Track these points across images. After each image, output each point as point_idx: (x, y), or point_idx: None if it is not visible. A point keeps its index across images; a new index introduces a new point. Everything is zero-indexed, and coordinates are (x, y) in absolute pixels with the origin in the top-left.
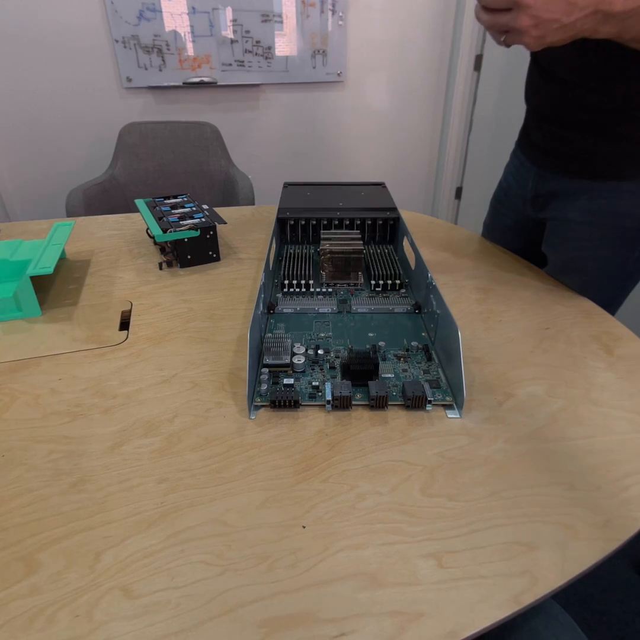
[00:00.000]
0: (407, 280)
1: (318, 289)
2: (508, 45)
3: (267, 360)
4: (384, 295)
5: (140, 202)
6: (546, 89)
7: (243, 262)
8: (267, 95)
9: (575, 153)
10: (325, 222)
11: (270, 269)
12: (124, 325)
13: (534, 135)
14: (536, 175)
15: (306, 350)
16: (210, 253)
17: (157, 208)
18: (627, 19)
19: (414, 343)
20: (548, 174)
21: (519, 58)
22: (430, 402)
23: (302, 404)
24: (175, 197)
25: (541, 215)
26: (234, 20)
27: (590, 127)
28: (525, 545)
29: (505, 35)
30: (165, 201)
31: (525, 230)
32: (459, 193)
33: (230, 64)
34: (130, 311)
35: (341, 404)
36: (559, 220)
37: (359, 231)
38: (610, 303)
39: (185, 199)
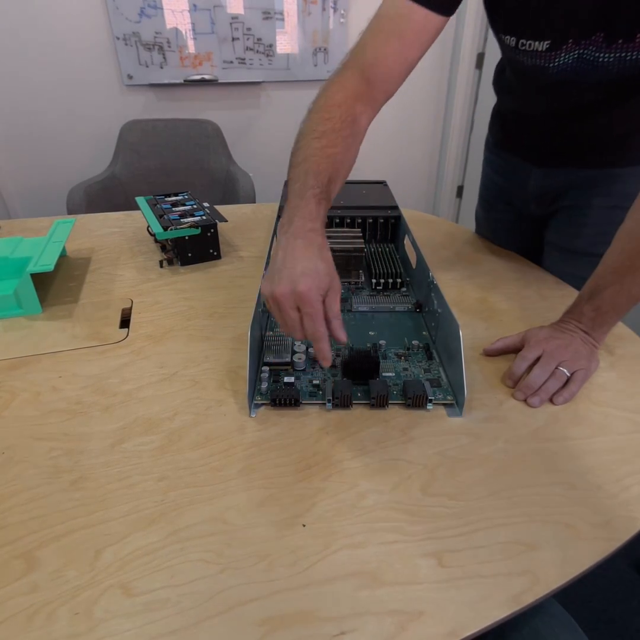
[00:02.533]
0: (408, 279)
1: None
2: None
3: (268, 358)
4: (385, 293)
5: (141, 200)
6: (545, 92)
7: (244, 260)
8: (268, 93)
9: (589, 147)
10: (326, 221)
11: None
12: (125, 323)
13: (530, 138)
14: (541, 175)
15: (307, 348)
16: (211, 251)
17: (158, 206)
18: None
19: (414, 342)
20: (556, 171)
21: None
22: (430, 401)
23: (303, 402)
24: (176, 194)
25: (549, 209)
26: (235, 18)
27: (610, 122)
28: (525, 544)
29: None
30: (166, 199)
31: (527, 228)
32: (460, 192)
33: (231, 62)
34: (130, 309)
35: (342, 402)
36: (578, 208)
37: (360, 229)
38: None
39: (186, 196)
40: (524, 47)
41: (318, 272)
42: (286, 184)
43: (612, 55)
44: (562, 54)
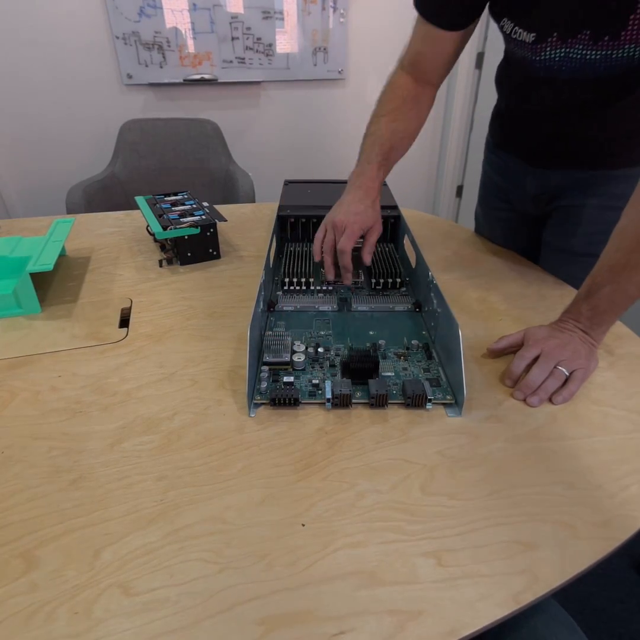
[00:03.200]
0: (407, 279)
1: (318, 287)
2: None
3: (267, 358)
4: (385, 293)
5: (140, 199)
6: (537, 89)
7: (243, 259)
8: (268, 92)
9: (586, 149)
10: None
11: (271, 266)
12: (124, 322)
13: (527, 139)
14: (539, 175)
15: (306, 348)
16: (211, 250)
17: (158, 205)
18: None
19: (414, 341)
20: (553, 171)
21: None
22: (430, 400)
23: (302, 402)
24: (175, 194)
25: (547, 209)
26: (235, 17)
27: (603, 122)
28: (524, 544)
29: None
30: (165, 198)
31: (525, 227)
32: (459, 191)
33: (231, 61)
34: (130, 308)
35: (341, 402)
36: (574, 208)
37: None
38: None
39: (186, 196)
40: (515, 35)
41: (367, 214)
42: (285, 182)
43: (598, 53)
44: (548, 49)
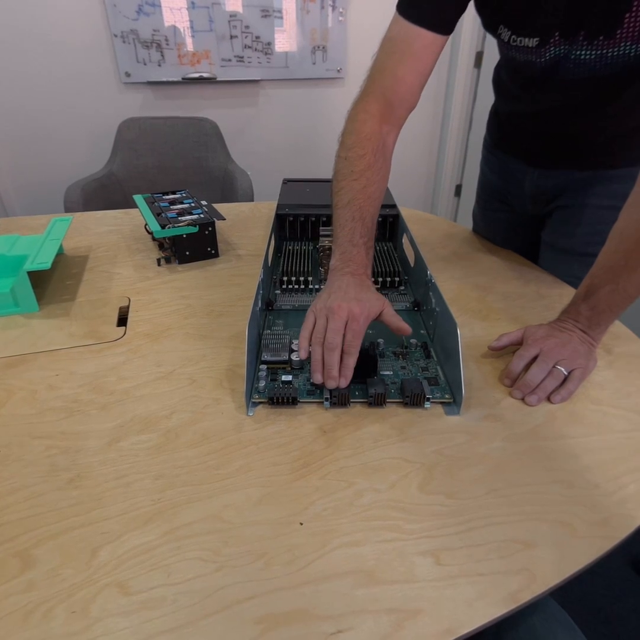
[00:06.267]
0: (406, 278)
1: (317, 286)
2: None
3: (266, 357)
4: (383, 292)
5: (138, 198)
6: (537, 90)
7: (242, 258)
8: (266, 91)
9: (585, 148)
10: (324, 219)
11: (269, 265)
12: (122, 321)
13: (525, 140)
14: (537, 175)
15: None
16: (209, 249)
17: (156, 204)
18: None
19: (412, 340)
20: (552, 172)
21: None
22: (428, 399)
23: (300, 400)
24: (174, 192)
25: (546, 209)
26: (234, 16)
27: (602, 122)
28: (522, 542)
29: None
30: (163, 197)
31: (524, 227)
32: (458, 190)
33: (229, 60)
34: (128, 307)
35: (339, 401)
36: (573, 208)
37: None
38: None
39: (184, 194)
40: (515, 43)
41: (370, 301)
42: (284, 181)
43: (593, 52)
44: (551, 48)
